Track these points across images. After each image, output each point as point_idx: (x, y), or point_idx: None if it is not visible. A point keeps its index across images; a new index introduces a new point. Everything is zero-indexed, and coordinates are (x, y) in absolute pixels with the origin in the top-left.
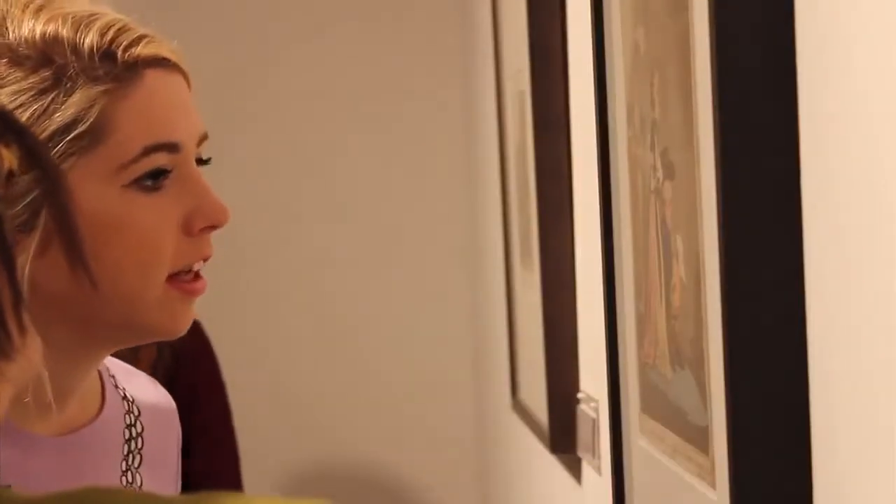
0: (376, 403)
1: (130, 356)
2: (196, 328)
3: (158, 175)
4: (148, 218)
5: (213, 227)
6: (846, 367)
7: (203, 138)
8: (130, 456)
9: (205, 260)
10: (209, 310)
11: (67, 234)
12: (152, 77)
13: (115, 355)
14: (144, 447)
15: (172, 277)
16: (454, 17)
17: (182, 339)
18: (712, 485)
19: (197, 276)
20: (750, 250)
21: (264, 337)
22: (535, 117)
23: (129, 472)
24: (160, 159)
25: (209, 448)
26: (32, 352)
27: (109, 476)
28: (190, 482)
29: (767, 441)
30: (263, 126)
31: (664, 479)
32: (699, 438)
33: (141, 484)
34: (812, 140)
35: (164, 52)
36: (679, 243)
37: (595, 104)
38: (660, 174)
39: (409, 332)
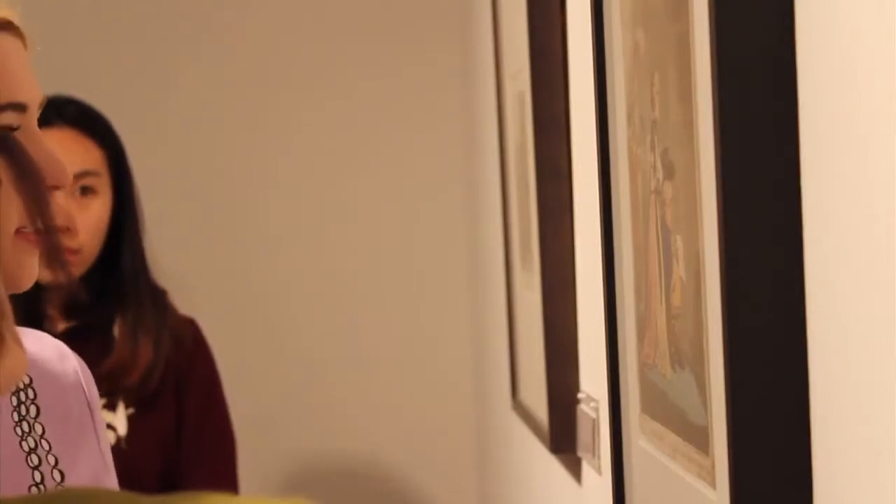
0: (376, 403)
1: (131, 353)
2: (193, 327)
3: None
4: None
5: (55, 188)
6: (846, 367)
7: (43, 102)
8: (22, 406)
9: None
10: (212, 309)
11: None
12: (2, 39)
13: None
14: (38, 398)
15: (20, 231)
16: (454, 18)
17: (180, 336)
18: (712, 485)
19: (38, 232)
20: (750, 250)
21: (265, 337)
22: (535, 117)
23: (23, 422)
24: (9, 118)
25: (205, 441)
26: (9, 361)
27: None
28: (183, 479)
29: (767, 441)
30: (264, 127)
31: (664, 479)
32: (699, 438)
33: (43, 433)
34: (812, 140)
35: (12, 16)
36: (679, 243)
37: (595, 104)
38: (660, 174)
39: (409, 333)
